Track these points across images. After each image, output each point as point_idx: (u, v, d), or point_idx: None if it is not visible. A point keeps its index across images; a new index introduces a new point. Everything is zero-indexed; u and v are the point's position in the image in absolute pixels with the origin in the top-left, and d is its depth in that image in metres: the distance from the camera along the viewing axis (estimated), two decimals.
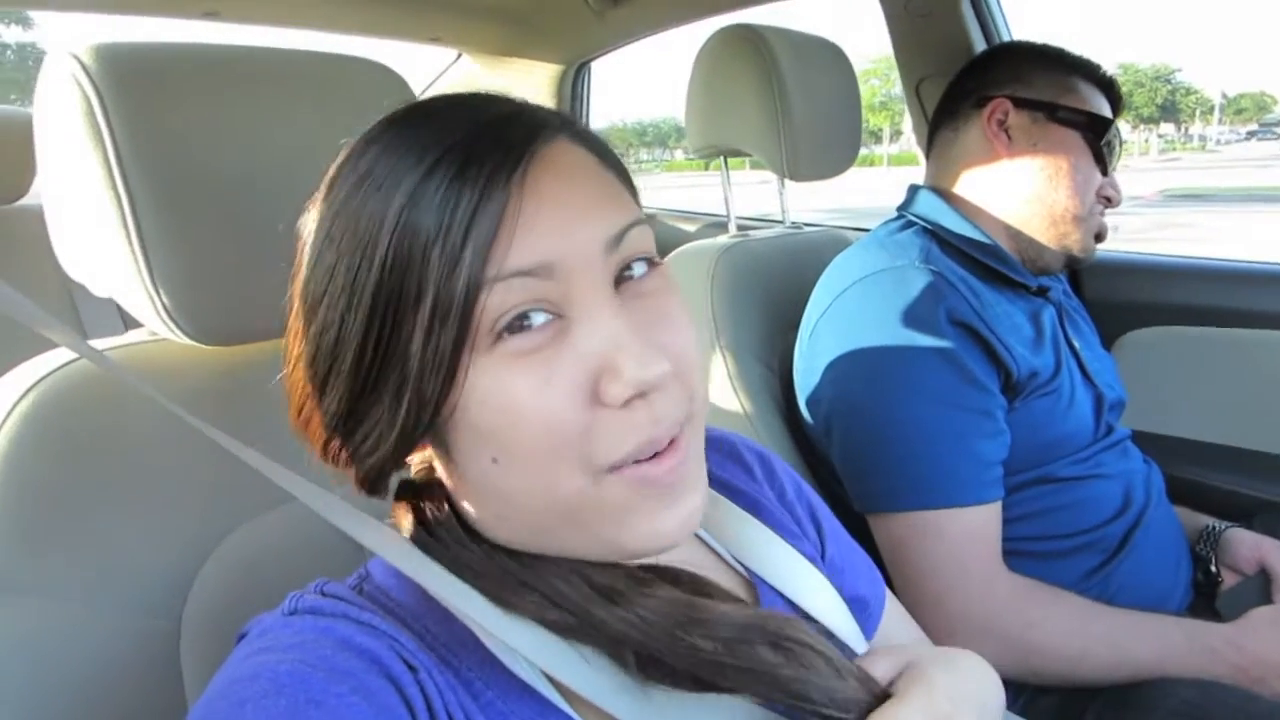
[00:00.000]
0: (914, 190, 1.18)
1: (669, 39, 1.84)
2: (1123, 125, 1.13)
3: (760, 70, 1.25)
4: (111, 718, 0.55)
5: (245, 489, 0.61)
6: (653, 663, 0.44)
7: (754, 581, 0.58)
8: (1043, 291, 1.11)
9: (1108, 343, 1.43)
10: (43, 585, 0.54)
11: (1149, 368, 1.48)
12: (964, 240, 1.07)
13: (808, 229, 1.49)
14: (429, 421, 0.42)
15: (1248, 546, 1.12)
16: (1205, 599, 1.11)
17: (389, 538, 0.47)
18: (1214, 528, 1.16)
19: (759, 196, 1.98)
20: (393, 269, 0.40)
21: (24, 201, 1.79)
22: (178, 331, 0.59)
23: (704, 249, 1.24)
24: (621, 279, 0.44)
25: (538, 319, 0.41)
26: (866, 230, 1.26)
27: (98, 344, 0.64)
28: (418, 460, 0.48)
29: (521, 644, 0.44)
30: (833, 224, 1.70)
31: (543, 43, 1.93)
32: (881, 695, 0.46)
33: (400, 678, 0.42)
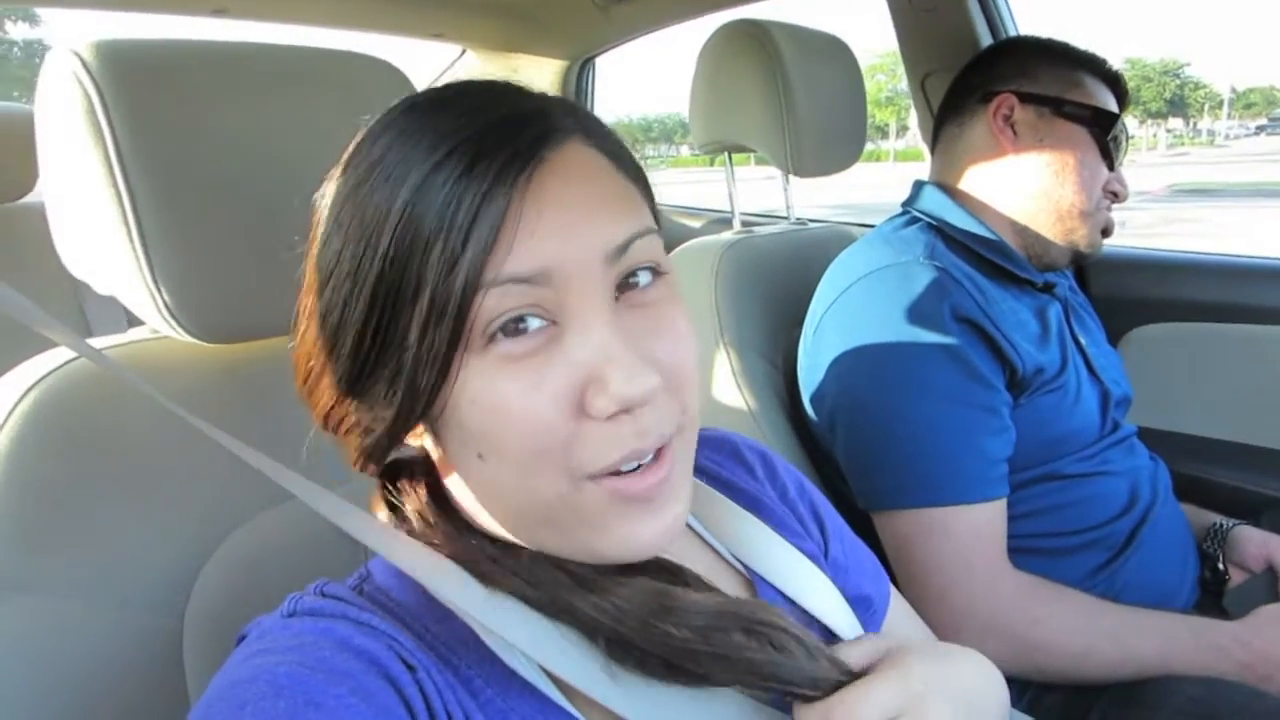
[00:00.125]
0: (919, 186, 1.17)
1: (674, 34, 1.83)
2: (1130, 120, 1.13)
3: (765, 65, 1.25)
4: (114, 716, 0.55)
5: (248, 486, 0.61)
6: (626, 649, 0.44)
7: (753, 580, 0.57)
8: (1049, 288, 1.10)
9: (1114, 339, 1.42)
10: (45, 583, 0.54)
11: (1156, 364, 1.47)
12: (969, 236, 1.07)
13: (812, 225, 1.49)
14: (421, 413, 0.42)
15: (1255, 544, 1.11)
16: (1212, 596, 1.10)
17: (389, 536, 0.47)
18: (1221, 525, 1.16)
19: (764, 192, 1.98)
20: (394, 262, 0.40)
21: (30, 198, 1.80)
22: (179, 329, 0.59)
23: (708, 245, 1.23)
24: (626, 285, 0.44)
25: (532, 324, 0.41)
26: (871, 226, 1.26)
27: (100, 342, 0.64)
28: (415, 441, 0.48)
29: (520, 639, 0.44)
30: (838, 220, 1.69)
31: (547, 38, 1.93)
32: (856, 676, 0.46)
33: (399, 678, 0.42)
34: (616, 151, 0.46)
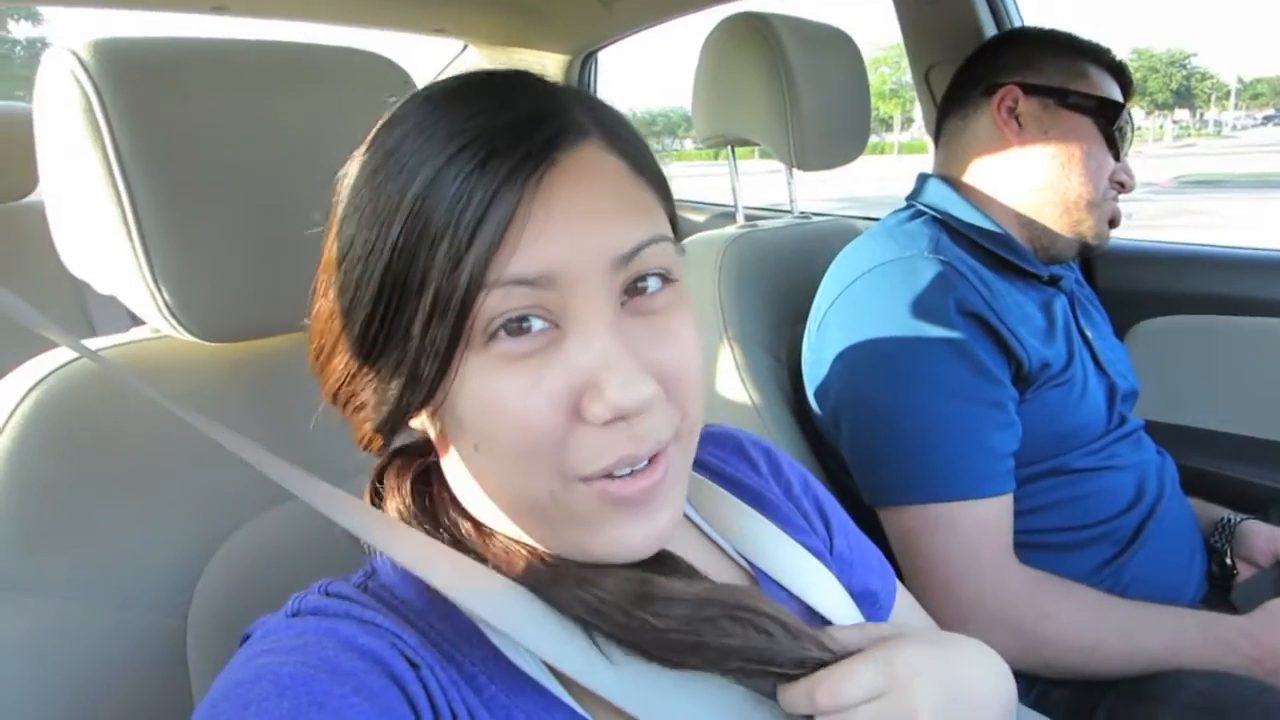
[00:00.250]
0: (923, 179, 1.17)
1: (677, 27, 1.83)
2: (1137, 111, 1.12)
3: (767, 58, 1.24)
4: (118, 716, 0.55)
5: (251, 485, 0.61)
6: (611, 639, 0.45)
7: (757, 576, 0.57)
8: (1054, 281, 1.10)
9: (1121, 332, 1.41)
10: (47, 584, 0.54)
11: (1163, 357, 1.46)
12: (974, 229, 1.06)
13: (816, 219, 1.48)
14: (422, 402, 0.43)
15: (1264, 538, 1.11)
16: (1220, 591, 1.10)
17: (391, 533, 0.47)
18: (1229, 520, 1.15)
19: (768, 185, 1.97)
20: (402, 253, 0.40)
21: (33, 198, 1.80)
22: (180, 328, 0.59)
23: (711, 239, 1.23)
24: (634, 290, 0.44)
25: (534, 325, 0.41)
26: (876, 220, 1.25)
27: (101, 342, 0.64)
28: (416, 424, 0.48)
29: (522, 632, 0.44)
30: (842, 213, 1.69)
31: (549, 33, 1.93)
32: (843, 657, 0.47)
33: (403, 676, 0.42)
34: (634, 154, 0.45)
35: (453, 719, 0.43)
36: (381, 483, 0.51)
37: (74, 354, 0.57)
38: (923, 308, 0.96)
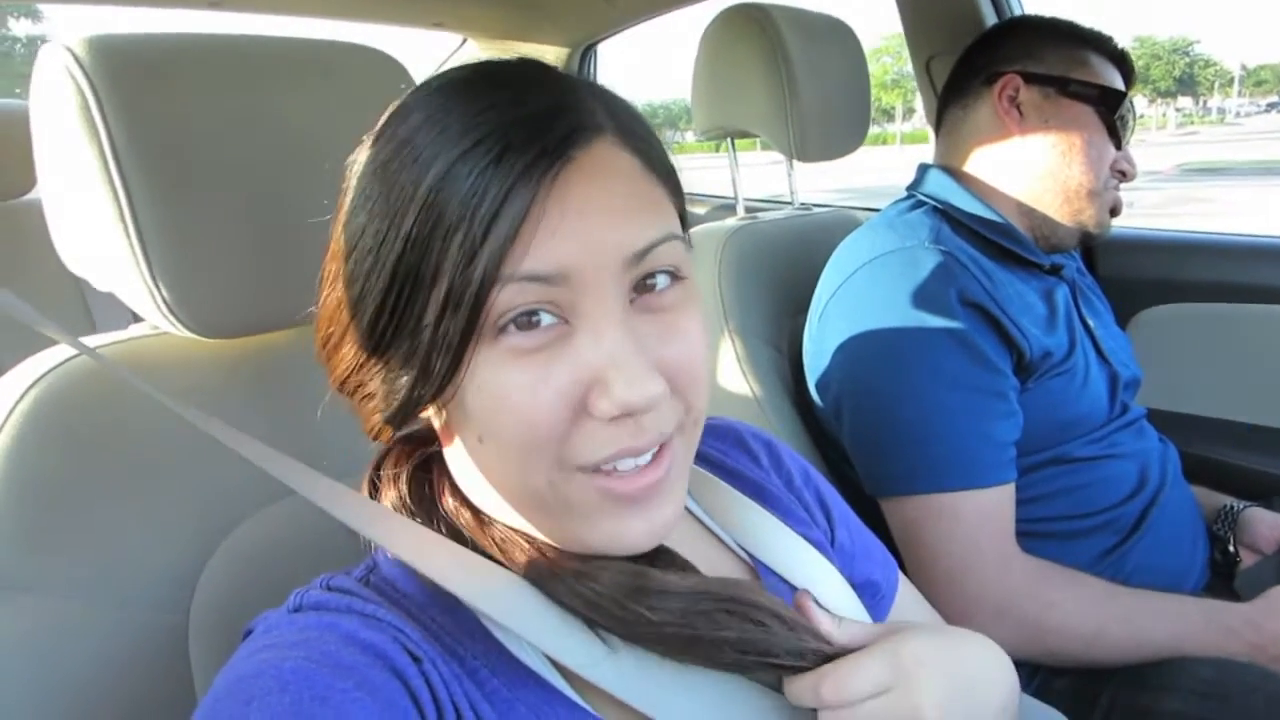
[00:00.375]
0: (923, 169, 1.16)
1: (678, 18, 1.82)
2: (1139, 99, 1.12)
3: (766, 49, 1.24)
4: (120, 712, 0.55)
5: (252, 481, 0.61)
6: (608, 631, 0.45)
7: (757, 568, 0.57)
8: (1056, 270, 1.09)
9: (1123, 320, 1.41)
10: (48, 582, 0.54)
11: (1165, 345, 1.46)
12: (975, 219, 1.06)
13: (817, 210, 1.48)
14: (433, 395, 0.43)
15: (1267, 526, 1.11)
16: (1223, 579, 1.10)
17: (390, 527, 0.47)
18: (1232, 507, 1.15)
19: (771, 177, 1.97)
20: (414, 245, 0.40)
21: (34, 195, 1.80)
22: (179, 325, 0.59)
23: (712, 231, 1.23)
24: (643, 287, 0.44)
25: (544, 320, 0.41)
26: (876, 210, 1.25)
27: (101, 339, 0.64)
28: (422, 414, 0.48)
29: (524, 625, 0.44)
30: (844, 204, 1.68)
31: (548, 26, 1.92)
32: (844, 651, 0.47)
33: (405, 670, 0.42)
34: (647, 150, 0.45)
35: (455, 713, 0.43)
36: (379, 473, 0.51)
37: (73, 351, 0.57)
38: (924, 298, 0.96)
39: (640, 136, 0.45)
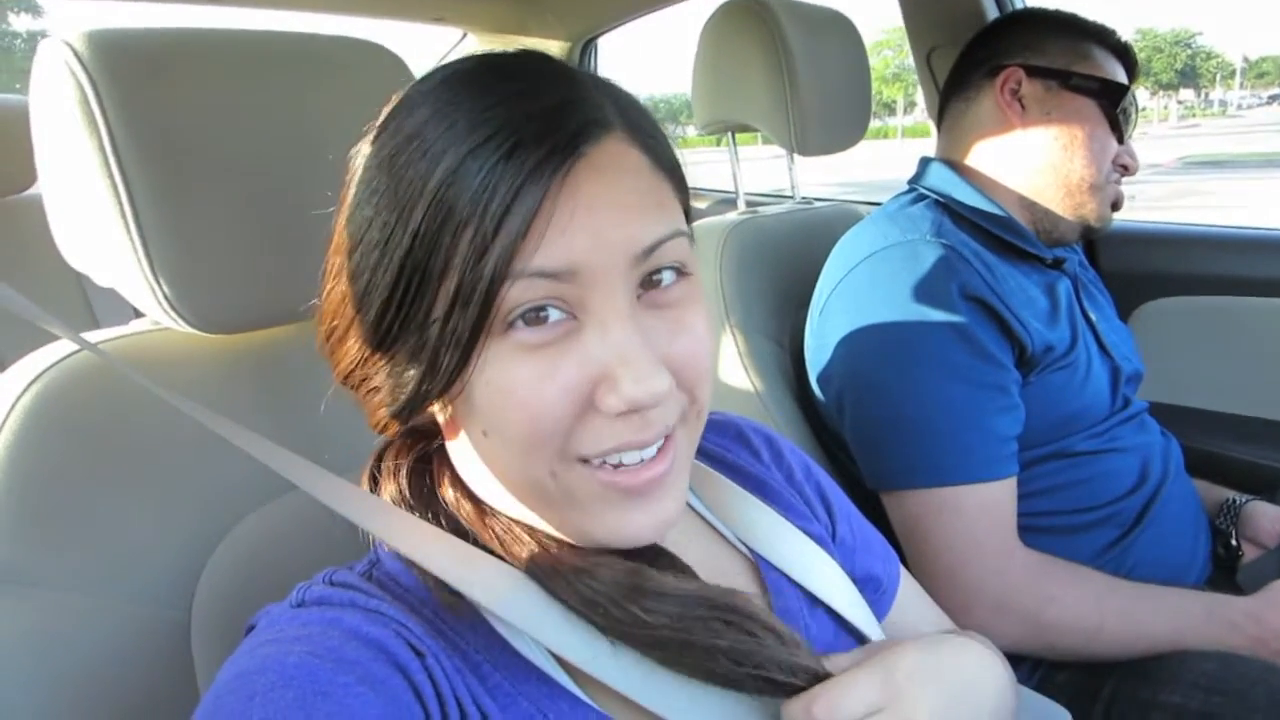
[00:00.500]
0: (925, 163, 1.16)
1: (679, 11, 1.81)
2: (1141, 92, 1.11)
3: (767, 43, 1.24)
4: (123, 708, 0.55)
5: (254, 476, 0.61)
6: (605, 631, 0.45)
7: (758, 563, 0.57)
8: (1058, 264, 1.09)
9: (1124, 314, 1.41)
10: (51, 577, 0.54)
11: (1167, 339, 1.46)
12: (977, 213, 1.06)
13: (818, 204, 1.48)
14: (440, 391, 0.43)
15: (1269, 519, 1.11)
16: (1225, 572, 1.10)
17: (392, 522, 0.47)
18: (1234, 501, 1.15)
19: (771, 170, 1.96)
20: (423, 239, 0.40)
21: (35, 191, 1.80)
22: (179, 320, 0.59)
23: (713, 226, 1.23)
24: (649, 283, 0.44)
25: (552, 315, 0.41)
26: (878, 204, 1.25)
27: (102, 334, 0.64)
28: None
29: (527, 621, 0.44)
30: (845, 198, 1.68)
31: (549, 20, 1.92)
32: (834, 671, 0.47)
33: (408, 665, 0.42)
34: (655, 147, 0.45)
35: (458, 706, 0.43)
36: (379, 466, 0.51)
37: (75, 347, 0.57)
38: (925, 292, 0.96)
39: (647, 132, 0.45)
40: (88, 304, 1.75)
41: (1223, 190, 13.27)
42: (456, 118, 0.40)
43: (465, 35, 2.00)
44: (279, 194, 0.61)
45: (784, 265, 1.23)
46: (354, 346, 0.45)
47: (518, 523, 0.48)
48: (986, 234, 1.05)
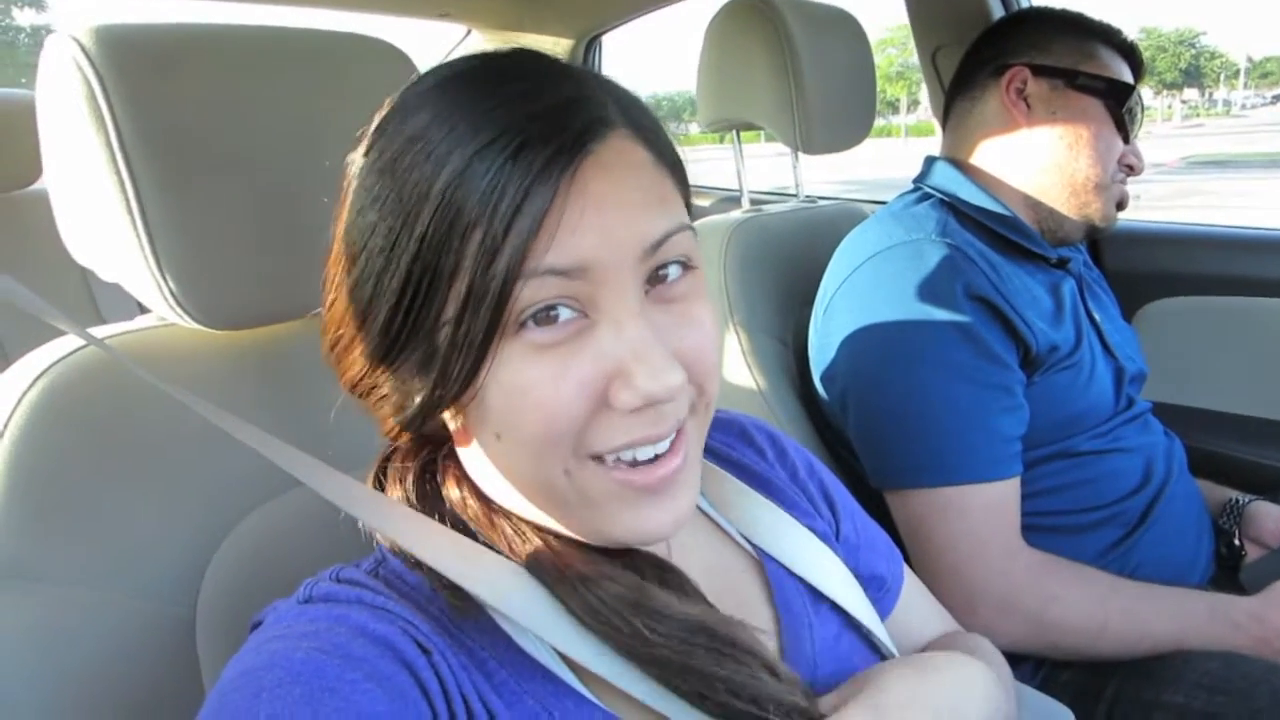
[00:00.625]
0: (930, 162, 1.16)
1: (683, 9, 1.81)
2: (1145, 91, 1.10)
3: (772, 41, 1.23)
4: (127, 703, 0.55)
5: (259, 473, 0.61)
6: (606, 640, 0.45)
7: (762, 560, 0.57)
8: (1062, 263, 1.09)
9: (1129, 314, 1.41)
10: (56, 573, 0.54)
11: (1171, 339, 1.45)
12: (981, 212, 1.06)
13: (822, 202, 1.47)
14: (453, 397, 0.43)
15: (1272, 519, 1.11)
16: (1228, 572, 1.10)
17: (397, 520, 0.47)
18: (1238, 500, 1.15)
19: (775, 168, 1.96)
20: (431, 243, 0.40)
21: (40, 185, 1.80)
22: (185, 316, 0.59)
23: (717, 224, 1.23)
24: (656, 279, 0.44)
25: (563, 314, 0.41)
26: (882, 203, 1.24)
27: (108, 330, 0.64)
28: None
29: (532, 620, 0.44)
30: (849, 197, 1.68)
31: (553, 17, 1.91)
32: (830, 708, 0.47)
33: (414, 662, 0.42)
34: (657, 143, 0.46)
35: (464, 704, 0.43)
36: (387, 466, 0.51)
37: (80, 342, 0.57)
38: (930, 291, 0.96)
39: (649, 129, 0.46)
40: (93, 299, 1.75)
41: (1226, 190, 13.25)
42: (459, 120, 0.40)
43: (469, 32, 2.00)
44: (285, 190, 0.61)
45: (788, 264, 1.23)
46: (361, 354, 0.45)
47: (527, 522, 0.48)
48: (991, 233, 1.05)
